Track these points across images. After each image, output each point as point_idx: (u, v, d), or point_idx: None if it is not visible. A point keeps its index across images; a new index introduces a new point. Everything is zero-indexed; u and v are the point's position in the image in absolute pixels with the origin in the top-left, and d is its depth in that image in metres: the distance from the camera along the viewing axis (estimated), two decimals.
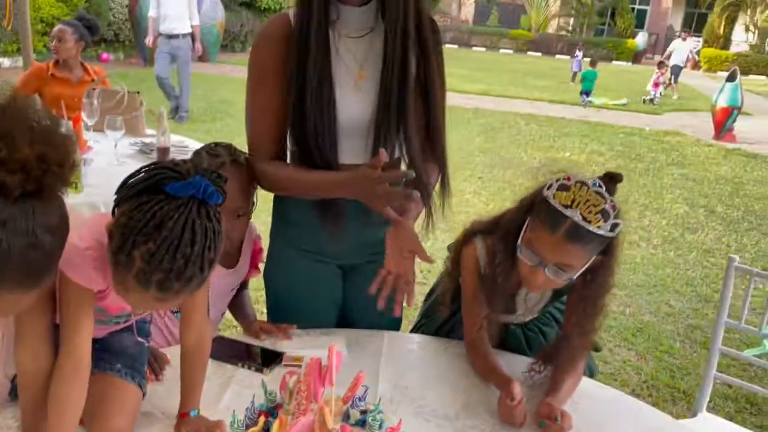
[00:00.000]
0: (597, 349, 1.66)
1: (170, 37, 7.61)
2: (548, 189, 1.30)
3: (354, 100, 1.41)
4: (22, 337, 1.01)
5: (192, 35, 7.79)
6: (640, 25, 31.60)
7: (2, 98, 0.81)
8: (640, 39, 29.00)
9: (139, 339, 1.21)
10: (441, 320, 1.64)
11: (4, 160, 0.76)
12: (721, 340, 1.93)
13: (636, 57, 28.42)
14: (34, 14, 11.16)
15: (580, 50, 16.92)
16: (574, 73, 16.37)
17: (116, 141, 2.71)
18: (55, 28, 3.63)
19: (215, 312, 1.60)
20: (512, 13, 33.19)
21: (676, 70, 15.41)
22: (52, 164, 0.80)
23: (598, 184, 1.28)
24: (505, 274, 1.40)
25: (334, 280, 1.61)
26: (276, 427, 0.81)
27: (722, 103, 9.70)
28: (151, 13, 7.63)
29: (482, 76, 16.34)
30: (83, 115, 2.93)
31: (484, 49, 29.09)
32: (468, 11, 36.20)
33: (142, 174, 0.95)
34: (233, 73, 12.27)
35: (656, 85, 14.08)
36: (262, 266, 1.67)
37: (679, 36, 17.52)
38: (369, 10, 1.42)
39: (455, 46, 28.99)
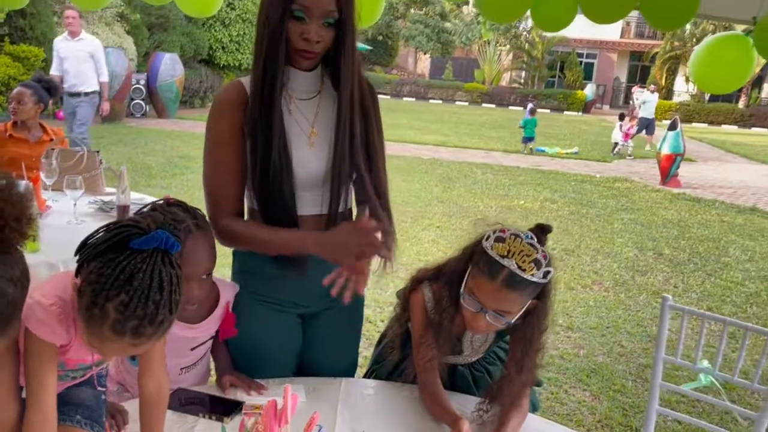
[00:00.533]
0: (538, 384, 1.75)
1: (71, 95, 7.24)
2: (486, 240, 1.42)
3: (309, 156, 1.53)
4: None
5: (99, 93, 7.42)
6: (588, 77, 33.01)
7: None
8: (589, 90, 30.25)
9: (99, 388, 1.25)
10: (392, 365, 1.71)
11: None
12: (660, 375, 2.04)
13: (586, 107, 29.60)
14: None
15: (531, 102, 17.50)
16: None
17: (75, 200, 2.74)
18: (15, 91, 3.67)
19: (171, 365, 1.61)
20: (466, 67, 34.36)
21: (645, 123, 15.06)
22: (10, 220, 0.87)
23: (530, 236, 1.40)
24: (451, 318, 1.50)
25: (294, 329, 1.67)
26: None
27: (666, 150, 10.18)
28: (53, 71, 7.25)
29: (439, 127, 16.80)
30: (42, 175, 2.96)
31: (440, 101, 29.88)
32: (424, 66, 37.31)
33: (103, 233, 1.02)
34: (193, 129, 12.35)
35: (627, 136, 14.11)
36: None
37: (646, 89, 16.75)
38: (316, 75, 1.56)
39: (412, 100, 29.74)
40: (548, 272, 1.39)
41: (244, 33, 17.86)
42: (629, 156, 13.97)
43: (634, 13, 2.68)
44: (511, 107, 28.74)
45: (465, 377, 1.67)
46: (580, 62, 32.81)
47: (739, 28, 2.82)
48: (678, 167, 10.30)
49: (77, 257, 1.04)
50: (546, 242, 1.44)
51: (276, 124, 1.47)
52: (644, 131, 15.11)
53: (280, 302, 1.62)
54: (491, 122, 20.21)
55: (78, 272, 1.03)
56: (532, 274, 1.36)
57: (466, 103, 29.64)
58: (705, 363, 1.94)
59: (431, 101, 29.83)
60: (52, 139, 3.72)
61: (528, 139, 13.76)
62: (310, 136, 1.54)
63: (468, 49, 34.24)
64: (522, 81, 33.89)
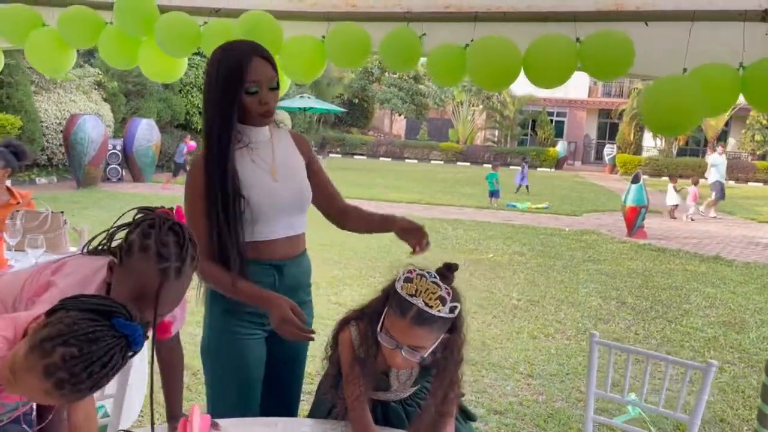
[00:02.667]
0: (472, 419, 1.84)
1: None
2: (398, 282, 1.55)
3: (275, 187, 1.86)
4: None
5: None
6: (559, 134, 33.97)
7: None
8: (561, 147, 31.08)
9: (24, 426, 1.33)
10: (330, 404, 1.79)
11: None
12: (592, 409, 2.14)
13: (558, 163, 30.35)
14: None
15: (525, 162, 17.90)
16: (519, 186, 17.08)
17: (36, 258, 2.83)
18: None
19: None
20: (441, 127, 35.20)
21: (718, 186, 14.21)
22: None
23: (433, 275, 1.53)
24: (375, 354, 1.61)
25: (261, 342, 1.91)
26: None
27: (630, 203, 10.50)
28: None
29: (413, 186, 17.10)
30: (5, 235, 3.05)
31: (416, 161, 30.45)
32: (399, 126, 38.15)
33: (97, 299, 1.14)
34: (168, 192, 12.46)
35: (695, 197, 13.81)
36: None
37: (714, 150, 15.90)
38: (265, 128, 1.92)
39: (389, 159, 30.27)
40: (455, 307, 1.51)
41: None
42: (700, 214, 13.82)
43: None
44: (485, 165, 29.32)
45: (398, 413, 1.76)
46: (551, 120, 33.83)
47: None
48: (643, 219, 10.59)
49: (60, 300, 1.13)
50: (453, 279, 1.57)
51: (228, 175, 1.78)
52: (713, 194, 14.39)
53: (249, 318, 1.87)
54: (465, 180, 20.61)
55: (53, 312, 1.11)
56: (439, 310, 1.48)
57: (441, 162, 30.24)
58: (632, 396, 2.05)
59: (407, 161, 30.39)
60: (18, 202, 3.82)
61: (492, 193, 14.24)
62: (272, 174, 1.87)
63: (442, 110, 35.19)
64: (495, 139, 34.75)
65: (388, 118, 37.86)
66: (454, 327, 1.56)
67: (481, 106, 33.62)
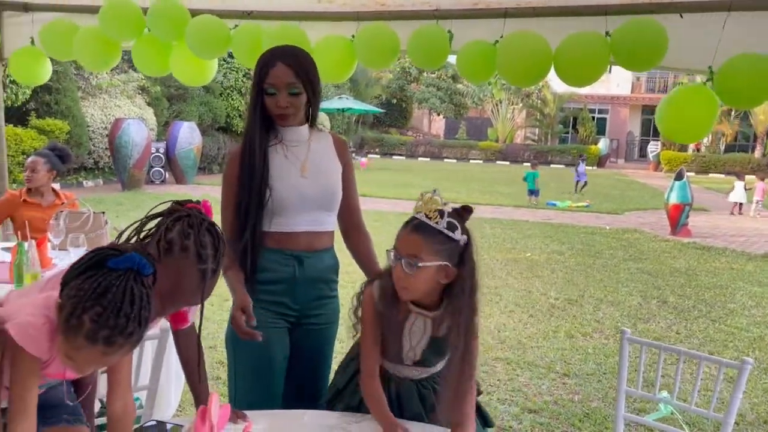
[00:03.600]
0: (489, 425, 1.82)
1: None
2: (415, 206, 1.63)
3: (303, 183, 1.95)
4: None
5: None
6: (601, 131, 33.37)
7: None
8: (603, 145, 30.51)
9: (68, 402, 1.39)
10: (350, 375, 1.82)
11: None
12: (623, 407, 2.10)
13: (600, 161, 29.79)
14: (16, 146, 11.67)
15: (583, 161, 17.60)
16: (577, 182, 16.83)
17: (78, 256, 2.92)
18: (29, 159, 3.93)
19: None
20: (480, 126, 34.96)
21: None
22: None
23: (440, 196, 1.60)
24: (393, 305, 1.64)
25: (283, 331, 1.98)
26: None
27: (673, 200, 10.25)
28: None
29: (451, 185, 17.01)
30: (50, 235, 3.17)
31: (454, 160, 30.31)
32: (438, 126, 38.04)
33: (86, 256, 1.18)
34: (210, 193, 12.70)
35: (762, 194, 13.66)
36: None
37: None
38: (303, 129, 2.01)
39: (427, 159, 30.21)
40: (452, 224, 1.56)
41: None
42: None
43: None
44: (525, 164, 29.01)
45: (411, 391, 1.75)
46: (593, 117, 33.26)
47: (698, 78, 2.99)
48: (687, 216, 10.32)
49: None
50: (466, 219, 1.61)
51: (257, 165, 1.90)
52: None
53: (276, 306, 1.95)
54: (503, 179, 20.43)
55: (61, 292, 1.18)
56: (437, 222, 1.55)
57: (480, 162, 30.03)
58: (664, 393, 2.01)
59: (446, 160, 30.27)
60: (63, 203, 3.96)
61: (531, 192, 14.08)
62: (301, 170, 1.96)
63: (481, 109, 34.96)
64: (535, 138, 34.34)
65: (426, 117, 37.80)
66: (462, 260, 1.58)
67: (520, 105, 33.28)
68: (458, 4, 3.12)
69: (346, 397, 1.81)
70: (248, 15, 3.34)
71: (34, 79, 3.77)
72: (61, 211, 3.52)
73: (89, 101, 14.41)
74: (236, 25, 3.24)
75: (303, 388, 2.00)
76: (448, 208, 1.59)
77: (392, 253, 1.61)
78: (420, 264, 1.54)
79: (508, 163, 29.62)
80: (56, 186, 4.26)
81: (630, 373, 2.22)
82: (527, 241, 9.24)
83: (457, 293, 1.59)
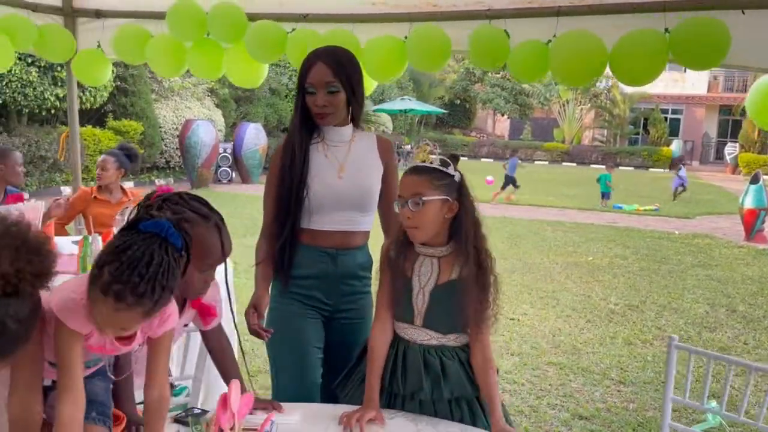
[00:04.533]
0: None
1: None
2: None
3: (338, 184, 1.99)
4: (14, 388, 1.28)
5: None
6: (673, 133, 32.12)
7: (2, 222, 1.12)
8: (675, 146, 29.38)
9: (110, 376, 1.48)
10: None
11: None
12: (669, 416, 2.04)
13: (673, 164, 28.67)
14: (95, 147, 12.29)
15: (683, 165, 16.96)
16: (676, 188, 15.89)
17: None
18: (100, 158, 4.15)
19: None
20: (546, 127, 34.30)
21: None
22: (28, 275, 1.10)
23: (423, 141, 1.76)
24: (402, 248, 1.75)
25: (316, 322, 2.05)
26: None
27: (748, 205, 9.77)
28: None
29: None
30: (114, 229, 3.34)
31: (519, 161, 29.82)
32: (503, 127, 37.55)
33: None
34: None
35: None
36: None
37: None
38: (346, 129, 2.05)
39: (490, 160, 29.88)
40: (445, 162, 1.71)
41: None
42: None
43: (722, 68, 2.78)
44: (592, 165, 28.31)
45: (416, 356, 1.74)
46: (665, 118, 32.05)
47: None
48: (763, 222, 9.82)
49: None
50: (456, 164, 1.74)
51: (297, 163, 1.97)
52: None
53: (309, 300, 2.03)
54: (569, 180, 19.99)
55: None
56: (431, 162, 1.71)
57: (546, 163, 29.48)
58: (713, 403, 1.94)
59: None
60: (130, 200, 4.16)
61: (604, 195, 13.79)
62: (339, 171, 2.01)
63: (548, 109, 34.29)
64: (603, 139, 33.39)
65: (490, 118, 37.38)
66: (461, 193, 1.71)
67: (588, 105, 32.44)
68: (511, 3, 3.09)
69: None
70: (304, 18, 3.41)
71: (95, 80, 3.97)
72: (127, 207, 3.71)
73: (162, 103, 15.03)
74: (293, 29, 3.33)
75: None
76: (434, 148, 1.73)
77: (398, 203, 1.71)
78: (424, 199, 1.66)
79: (574, 164, 28.94)
80: (130, 184, 4.48)
81: (683, 381, 2.15)
82: (589, 245, 9.02)
83: (461, 223, 1.70)
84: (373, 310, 1.99)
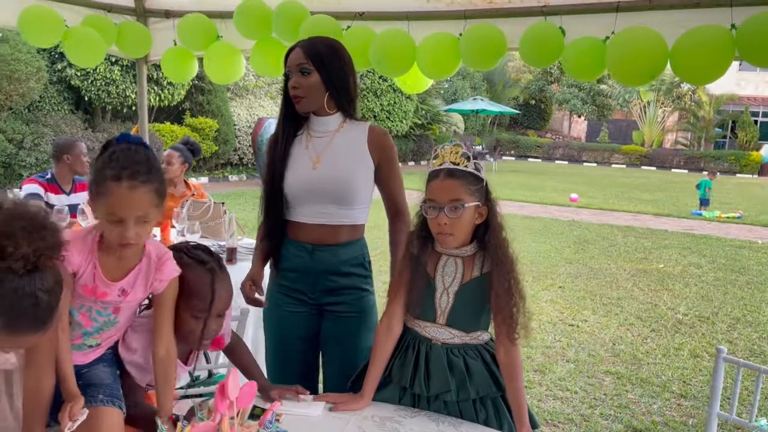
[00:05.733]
0: (534, 425, 1.73)
1: None
2: (429, 166, 1.71)
3: (311, 176, 1.96)
4: (29, 362, 1.36)
5: None
6: (764, 137, 30.31)
7: (5, 207, 1.19)
8: (765, 151, 27.71)
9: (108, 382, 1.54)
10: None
11: (12, 254, 1.14)
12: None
13: (762, 169, 27.08)
14: (172, 142, 12.81)
15: None
16: None
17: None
18: (165, 153, 4.32)
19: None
20: (624, 129, 33.14)
21: None
22: (45, 250, 1.18)
23: (454, 142, 1.68)
24: (424, 248, 1.71)
25: (304, 317, 2.06)
26: (187, 429, 1.07)
27: None
28: None
29: (587, 189, 16.32)
30: (174, 221, 3.47)
31: (595, 164, 28.99)
32: (579, 128, 36.54)
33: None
34: None
35: None
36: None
37: None
38: (332, 119, 2.01)
39: (565, 162, 29.16)
40: (477, 163, 1.67)
41: (395, 102, 18.86)
42: None
43: None
44: (674, 170, 27.15)
45: (440, 357, 1.71)
46: (755, 121, 30.29)
47: None
48: None
49: None
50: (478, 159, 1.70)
51: (277, 155, 2.01)
52: None
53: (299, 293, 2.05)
54: (646, 185, 19.22)
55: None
56: (466, 166, 1.64)
57: (624, 166, 28.47)
58: (762, 421, 1.82)
59: (585, 164, 29.03)
60: (192, 193, 4.31)
61: (702, 202, 13.41)
62: (315, 162, 1.97)
63: (627, 111, 33.10)
64: (687, 142, 31.91)
65: (566, 119, 36.46)
66: (487, 198, 1.67)
67: (671, 106, 31.07)
68: None
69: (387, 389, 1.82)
70: (360, 15, 3.44)
71: (183, 76, 4.10)
72: (187, 200, 3.85)
73: (237, 101, 15.50)
74: (348, 26, 3.35)
75: (342, 372, 1.98)
76: (466, 149, 1.66)
77: (428, 206, 1.65)
78: (465, 205, 1.62)
79: (654, 168, 27.81)
80: (204, 179, 4.63)
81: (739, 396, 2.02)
82: (661, 252, 8.64)
83: (493, 228, 1.66)
84: (370, 305, 1.99)
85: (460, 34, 3.11)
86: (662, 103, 30.83)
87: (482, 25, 3.08)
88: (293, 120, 2.02)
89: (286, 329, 2.07)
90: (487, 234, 1.66)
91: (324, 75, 1.93)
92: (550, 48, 2.93)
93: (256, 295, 2.02)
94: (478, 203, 1.65)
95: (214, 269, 1.58)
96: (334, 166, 1.96)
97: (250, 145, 15.07)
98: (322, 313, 2.06)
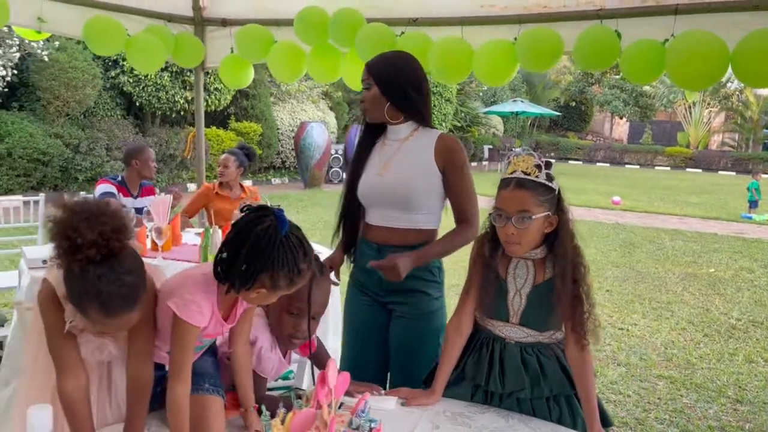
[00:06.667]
0: (608, 423, 1.75)
1: None
2: (503, 172, 1.74)
3: (377, 182, 2.11)
4: (131, 354, 1.47)
5: None
6: None
7: (64, 206, 1.28)
8: None
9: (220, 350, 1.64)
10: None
11: (82, 243, 1.24)
12: None
13: None
14: (218, 147, 13.10)
15: None
16: None
17: None
18: (222, 157, 4.46)
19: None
20: (668, 131, 32.44)
21: None
22: (111, 234, 1.27)
23: (528, 150, 1.68)
24: (495, 252, 1.74)
25: (370, 308, 2.20)
26: (288, 417, 1.14)
27: None
28: None
29: (630, 192, 16.06)
30: (232, 223, 3.59)
31: (637, 166, 28.45)
32: (621, 130, 35.92)
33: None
34: None
35: None
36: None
37: None
38: (405, 127, 2.12)
39: (606, 165, 28.70)
40: (549, 174, 1.67)
41: (434, 105, 18.86)
42: None
43: None
44: (720, 172, 26.47)
45: (514, 355, 1.75)
46: None
47: None
48: None
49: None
50: (551, 169, 1.70)
51: (354, 160, 2.20)
52: None
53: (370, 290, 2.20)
54: (692, 187, 18.80)
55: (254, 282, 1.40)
56: (537, 176, 1.64)
57: (668, 168, 27.88)
58: None
59: (627, 166, 28.52)
60: (248, 196, 4.44)
61: (751, 204, 13.11)
62: (382, 168, 2.10)
63: (671, 112, 32.40)
64: (734, 144, 31.07)
65: (608, 121, 35.88)
66: (559, 206, 1.67)
67: (718, 107, 30.29)
68: (624, 2, 3.01)
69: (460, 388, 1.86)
70: (414, 21, 3.50)
71: (239, 83, 4.24)
72: (244, 203, 3.96)
73: (280, 106, 15.74)
74: (402, 32, 3.42)
75: (404, 370, 2.13)
76: (538, 160, 1.67)
77: (496, 214, 1.68)
78: (533, 217, 1.62)
79: (699, 170, 27.15)
80: (248, 182, 4.76)
81: None
82: (711, 256, 8.47)
83: (561, 238, 1.67)
84: (434, 309, 2.06)
85: (515, 39, 3.15)
86: (708, 104, 30.09)
87: (539, 28, 3.11)
88: (372, 129, 2.18)
89: (359, 323, 2.23)
90: (556, 241, 1.68)
91: (381, 87, 2.07)
92: (606, 52, 2.95)
93: (332, 276, 2.19)
94: (548, 213, 1.65)
95: (315, 273, 1.64)
96: (398, 172, 2.07)
97: (292, 149, 15.29)
98: (391, 312, 2.16)
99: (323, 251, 3.70)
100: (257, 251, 1.36)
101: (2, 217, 4.26)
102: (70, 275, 1.28)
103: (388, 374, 2.21)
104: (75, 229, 1.24)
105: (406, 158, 2.08)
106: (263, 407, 1.31)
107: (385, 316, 2.17)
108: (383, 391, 1.81)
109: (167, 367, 1.54)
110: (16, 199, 4.50)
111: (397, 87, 2.07)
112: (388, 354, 2.18)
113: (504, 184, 1.68)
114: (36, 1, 3.48)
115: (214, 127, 13.54)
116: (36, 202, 4.41)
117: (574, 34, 3.02)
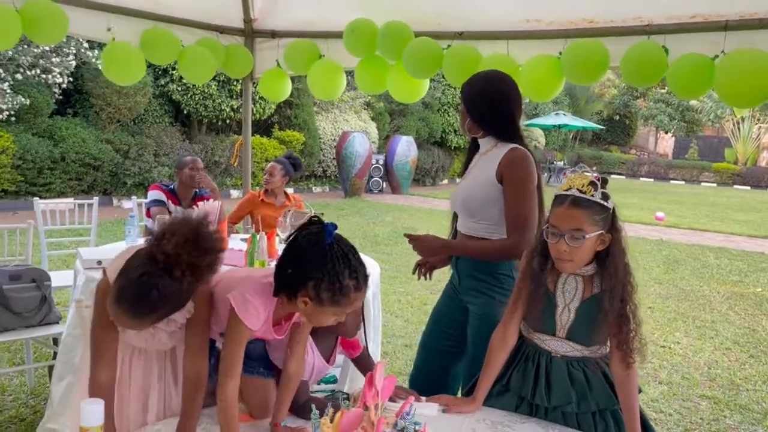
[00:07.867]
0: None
1: None
2: (557, 189, 1.75)
3: (458, 188, 2.37)
4: (187, 352, 1.54)
5: None
6: None
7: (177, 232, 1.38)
8: None
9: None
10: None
11: (178, 276, 1.36)
12: None
13: None
14: (262, 155, 13.35)
15: None
16: None
17: None
18: (268, 165, 4.56)
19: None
20: (716, 146, 31.65)
21: None
22: (183, 263, 1.37)
23: (583, 167, 1.70)
24: (544, 266, 1.74)
25: (458, 310, 2.36)
26: (337, 416, 1.19)
27: None
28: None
29: (675, 208, 15.74)
30: (278, 230, 3.68)
31: (683, 182, 27.84)
32: (666, 145, 35.20)
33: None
34: (420, 204, 13.32)
35: None
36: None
37: None
38: (486, 141, 2.32)
39: (650, 180, 28.17)
40: (605, 194, 1.66)
41: None
42: None
43: None
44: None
45: (561, 369, 1.77)
46: None
47: None
48: None
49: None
50: (606, 186, 1.70)
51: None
52: None
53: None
54: (740, 205, 18.31)
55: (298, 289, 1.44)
56: (592, 195, 1.64)
57: (714, 185, 27.20)
58: None
59: (672, 182, 27.94)
60: (292, 204, 4.53)
61: None
62: (463, 178, 2.39)
63: (719, 127, 31.63)
64: None
65: (652, 135, 35.22)
66: (613, 225, 1.67)
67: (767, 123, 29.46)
68: (672, 17, 3.00)
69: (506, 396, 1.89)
70: (459, 35, 3.55)
71: (278, 96, 4.38)
72: (289, 210, 4.06)
73: (322, 115, 15.95)
74: (449, 45, 3.47)
75: (465, 365, 2.29)
76: (594, 178, 1.67)
77: (549, 231, 1.68)
78: (586, 236, 1.63)
79: (748, 188, 26.41)
80: (290, 190, 4.87)
81: None
82: (759, 275, 8.25)
83: (613, 255, 1.67)
84: (498, 312, 2.07)
85: (560, 53, 3.17)
86: (758, 119, 29.28)
87: (582, 41, 3.12)
88: (475, 141, 2.40)
89: (439, 315, 2.46)
90: (607, 259, 1.68)
91: (466, 105, 2.31)
92: (653, 67, 2.94)
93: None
94: (602, 231, 1.65)
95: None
96: (467, 182, 2.31)
97: (334, 158, 15.45)
98: (466, 309, 2.33)
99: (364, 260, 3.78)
100: (300, 255, 1.42)
101: (57, 218, 4.45)
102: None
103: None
104: (178, 261, 1.38)
105: (478, 170, 2.27)
106: (313, 406, 1.36)
107: (463, 313, 2.34)
108: (424, 398, 1.85)
109: (217, 343, 1.65)
110: (70, 202, 4.69)
111: (476, 104, 2.27)
112: (459, 349, 2.37)
113: (559, 201, 1.68)
114: (102, 14, 3.66)
115: (258, 136, 13.79)
116: (90, 206, 4.59)
117: (620, 48, 3.03)
